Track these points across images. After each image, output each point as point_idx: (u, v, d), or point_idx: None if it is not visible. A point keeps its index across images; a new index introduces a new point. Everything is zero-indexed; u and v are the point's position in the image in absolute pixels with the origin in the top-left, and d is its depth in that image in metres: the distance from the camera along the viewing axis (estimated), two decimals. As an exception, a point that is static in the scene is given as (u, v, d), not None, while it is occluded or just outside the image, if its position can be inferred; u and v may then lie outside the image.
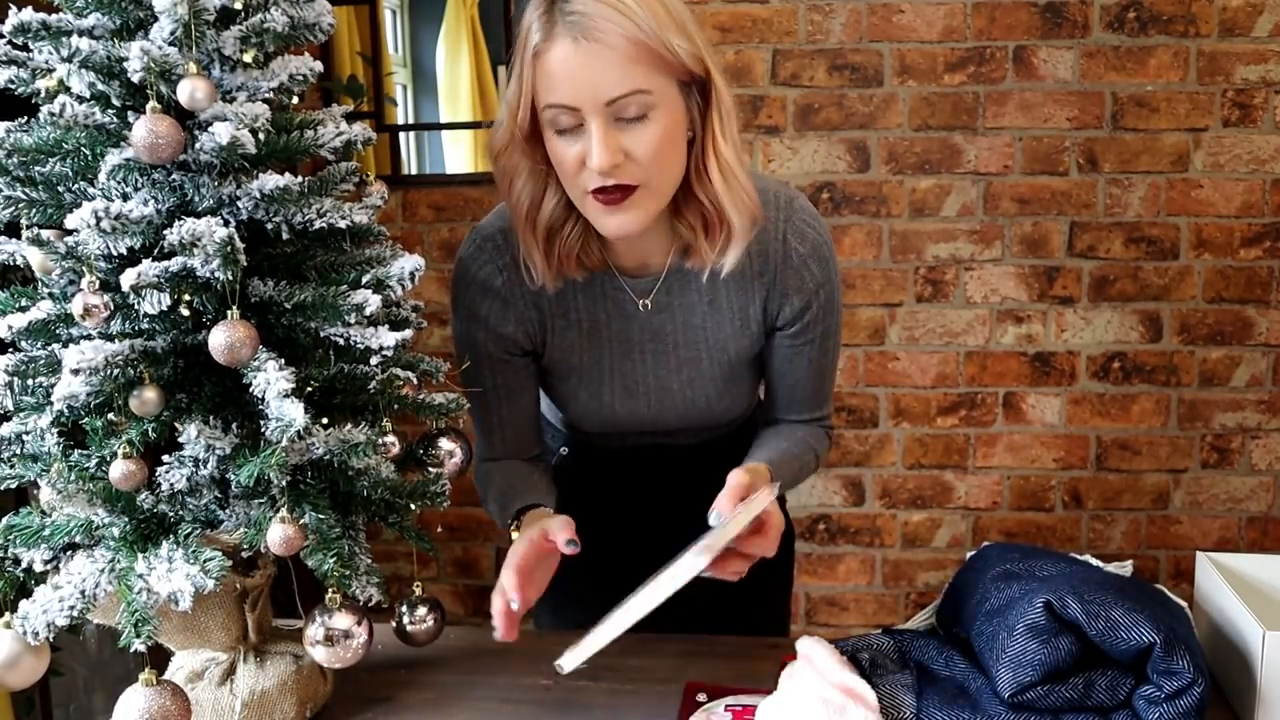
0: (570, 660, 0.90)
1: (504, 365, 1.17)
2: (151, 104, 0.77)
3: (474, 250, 1.14)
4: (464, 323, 1.16)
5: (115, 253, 0.80)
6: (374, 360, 0.86)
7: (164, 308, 0.79)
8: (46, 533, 0.84)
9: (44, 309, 0.84)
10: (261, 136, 0.83)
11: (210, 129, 0.79)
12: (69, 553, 0.86)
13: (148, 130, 0.76)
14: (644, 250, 1.14)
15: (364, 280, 0.87)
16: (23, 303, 0.88)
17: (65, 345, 0.82)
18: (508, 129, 1.04)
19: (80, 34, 0.81)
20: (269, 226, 0.85)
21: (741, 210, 1.06)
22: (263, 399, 0.78)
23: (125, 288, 0.77)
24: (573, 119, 0.98)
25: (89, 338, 0.81)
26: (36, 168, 0.84)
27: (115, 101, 0.83)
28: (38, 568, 0.85)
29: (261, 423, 0.80)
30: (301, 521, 0.83)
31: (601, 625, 0.90)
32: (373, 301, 0.83)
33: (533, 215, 1.08)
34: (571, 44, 0.95)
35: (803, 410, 1.26)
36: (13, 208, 0.84)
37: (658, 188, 1.02)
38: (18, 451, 0.87)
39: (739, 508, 0.96)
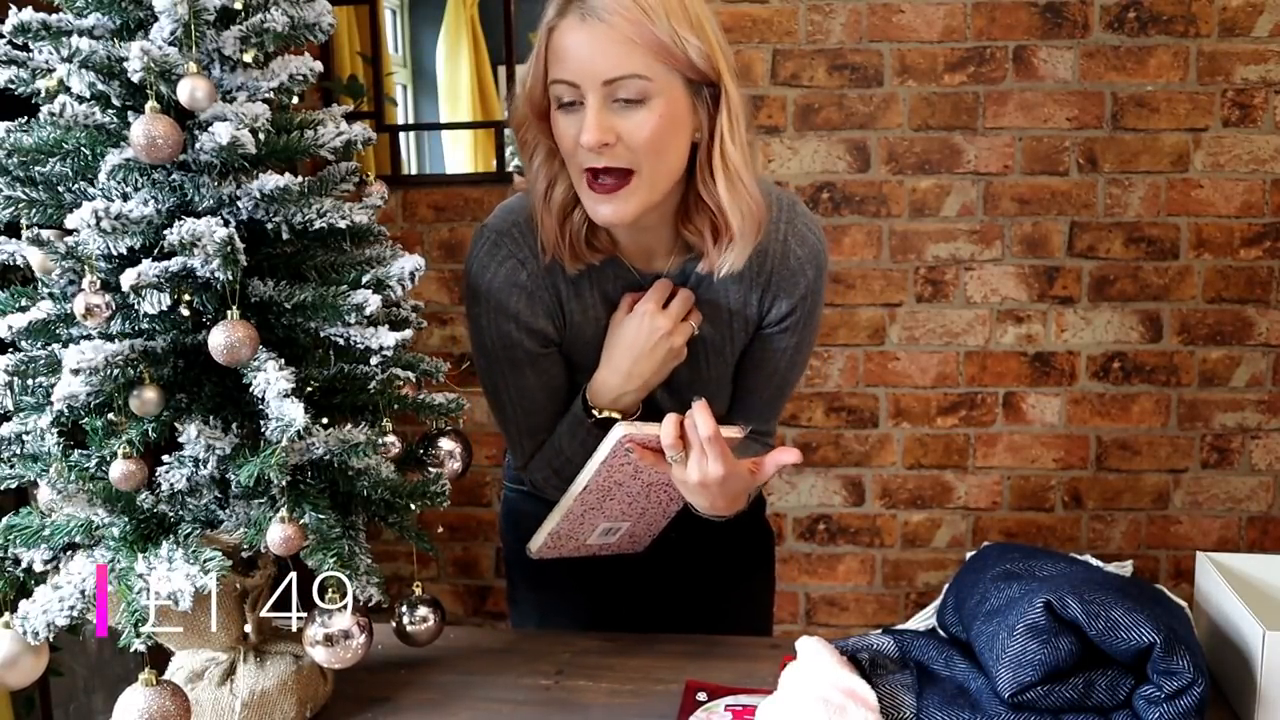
0: (536, 542, 1.14)
1: (542, 359, 1.16)
2: (151, 104, 0.77)
3: (490, 248, 1.13)
4: (495, 323, 1.13)
5: (115, 253, 0.80)
6: (374, 360, 0.86)
7: (164, 308, 0.79)
8: (46, 533, 0.84)
9: (44, 309, 0.84)
10: (261, 136, 0.83)
11: (210, 129, 0.79)
12: (69, 553, 0.86)
13: (146, 130, 0.76)
14: (648, 245, 1.14)
15: (364, 280, 0.87)
16: (23, 303, 0.88)
17: (65, 345, 0.82)
18: (522, 105, 1.06)
19: (80, 34, 0.81)
20: (269, 226, 0.85)
21: (745, 215, 1.06)
22: (263, 399, 0.78)
23: (125, 288, 0.77)
24: (574, 96, 1.00)
25: (89, 338, 0.81)
26: (36, 168, 0.84)
27: (115, 101, 0.83)
28: (38, 568, 0.85)
29: (261, 423, 0.80)
30: (301, 521, 0.83)
31: (555, 509, 1.11)
32: (373, 301, 0.83)
33: (549, 194, 1.09)
34: (579, 21, 0.99)
35: (752, 419, 1.23)
36: (13, 208, 0.84)
37: (650, 178, 1.02)
38: (18, 451, 0.87)
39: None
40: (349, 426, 0.87)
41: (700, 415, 0.97)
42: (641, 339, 1.12)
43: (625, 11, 0.97)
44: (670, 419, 0.99)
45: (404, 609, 1.03)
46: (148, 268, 0.78)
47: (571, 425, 1.16)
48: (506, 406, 1.18)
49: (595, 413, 1.14)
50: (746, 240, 1.07)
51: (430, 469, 1.00)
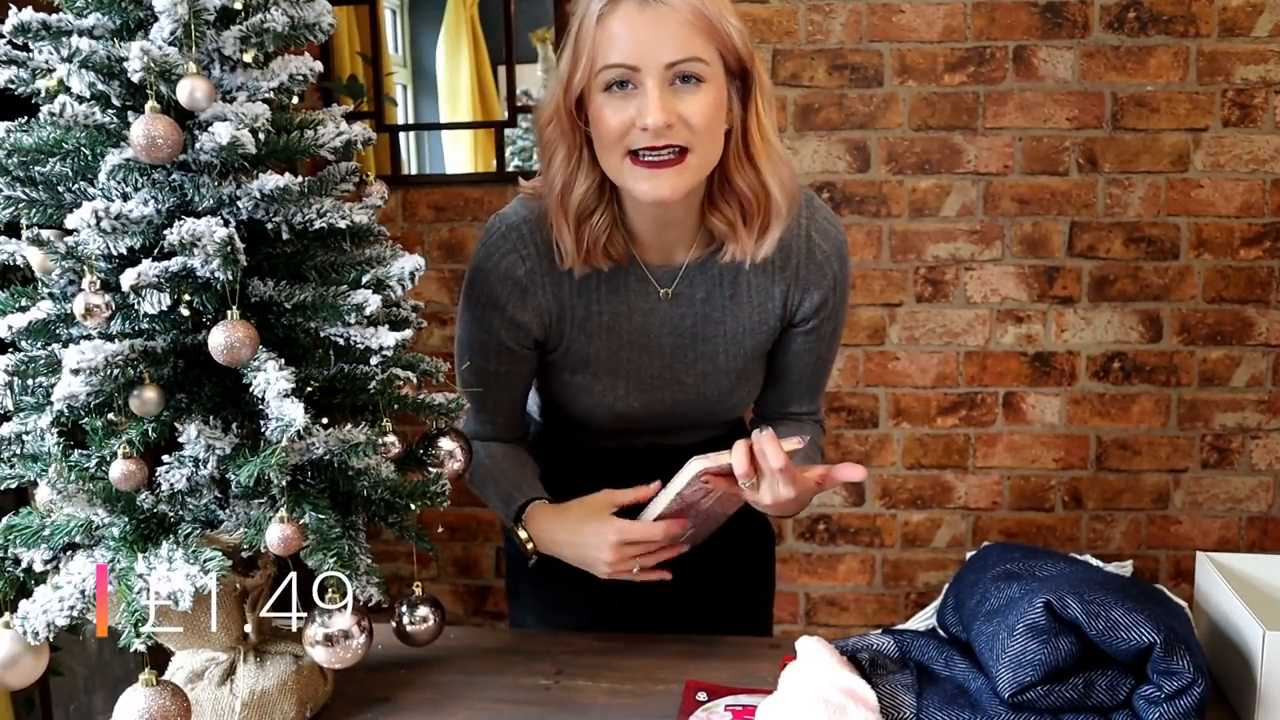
0: (703, 460, 1.04)
1: (512, 355, 1.18)
2: (151, 104, 0.77)
3: (498, 238, 1.15)
4: (480, 308, 1.16)
5: (115, 253, 0.80)
6: (374, 360, 0.86)
7: (164, 308, 0.79)
8: (46, 533, 0.84)
9: (44, 309, 0.84)
10: (261, 136, 0.82)
11: (210, 129, 0.79)
12: (69, 553, 0.86)
13: (146, 130, 0.76)
14: (669, 242, 1.15)
15: (364, 280, 0.87)
16: (23, 303, 0.88)
17: (65, 345, 0.82)
18: (555, 99, 1.07)
19: (80, 34, 0.81)
20: (269, 226, 0.85)
21: (784, 190, 1.09)
22: (263, 399, 0.78)
23: (125, 288, 0.77)
24: (629, 79, 1.01)
25: (89, 338, 0.81)
26: (36, 168, 0.84)
27: (115, 101, 0.83)
28: (38, 568, 0.85)
29: (261, 423, 0.80)
30: (301, 521, 0.83)
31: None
32: (373, 301, 0.83)
33: (565, 197, 1.09)
34: (639, 7, 1.00)
35: (802, 403, 1.28)
36: (13, 208, 0.84)
37: (702, 158, 1.05)
38: (18, 451, 0.87)
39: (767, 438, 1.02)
40: (349, 426, 0.87)
41: (769, 446, 1.00)
42: (582, 553, 1.13)
43: None
44: (740, 450, 1.01)
45: (404, 609, 1.03)
46: (148, 268, 0.77)
47: (508, 506, 1.19)
48: (466, 377, 1.20)
49: (521, 532, 1.17)
50: (781, 218, 1.10)
51: (430, 469, 1.00)
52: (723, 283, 1.16)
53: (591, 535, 1.10)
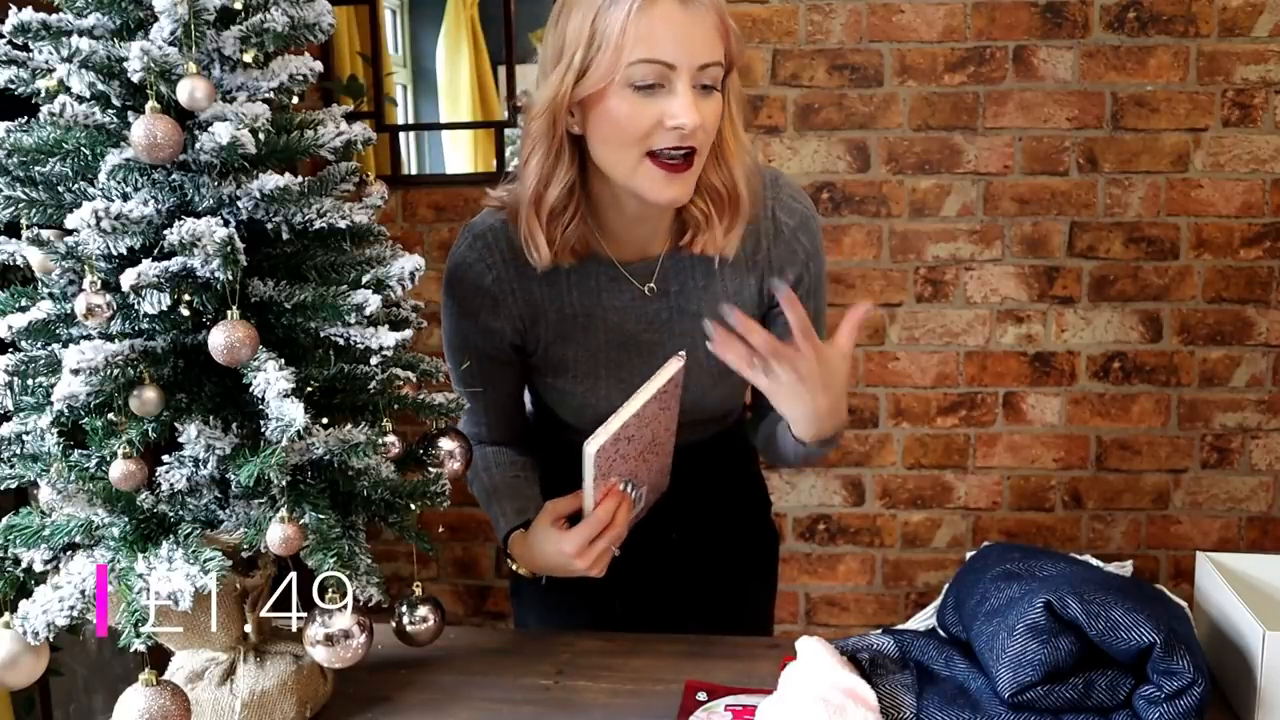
0: (596, 440, 1.02)
1: (490, 359, 1.20)
2: (151, 104, 0.77)
3: (465, 249, 1.16)
4: (454, 317, 1.18)
5: (115, 253, 0.80)
6: (374, 360, 0.86)
7: (164, 308, 0.79)
8: (46, 533, 0.84)
9: (44, 309, 0.84)
10: (261, 136, 0.82)
11: (210, 129, 0.79)
12: (69, 553, 0.86)
13: (146, 130, 0.76)
14: (643, 237, 1.15)
15: (364, 280, 0.87)
16: (23, 303, 0.88)
17: (65, 345, 0.82)
18: (561, 90, 1.03)
19: (80, 34, 0.81)
20: (269, 226, 0.85)
21: (750, 190, 1.11)
22: (263, 399, 0.78)
23: (125, 288, 0.77)
24: (660, 78, 1.00)
25: (89, 338, 0.81)
26: (36, 168, 0.84)
27: (115, 101, 0.83)
28: (38, 568, 0.85)
29: (261, 423, 0.80)
30: (301, 521, 0.83)
31: (616, 413, 1.03)
32: (373, 301, 0.83)
33: (539, 193, 1.09)
34: (680, 4, 1.00)
35: None
36: (13, 208, 0.84)
37: (702, 161, 1.06)
38: (18, 451, 0.87)
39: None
40: (349, 426, 0.87)
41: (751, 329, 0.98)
42: (558, 571, 1.13)
43: (712, 1, 1.02)
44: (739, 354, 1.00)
45: (404, 609, 1.03)
46: (148, 268, 0.77)
47: (495, 518, 1.22)
48: (455, 380, 1.21)
49: (510, 559, 1.19)
50: (745, 217, 1.12)
51: (430, 469, 1.00)
52: (695, 274, 1.17)
53: (553, 557, 1.10)
